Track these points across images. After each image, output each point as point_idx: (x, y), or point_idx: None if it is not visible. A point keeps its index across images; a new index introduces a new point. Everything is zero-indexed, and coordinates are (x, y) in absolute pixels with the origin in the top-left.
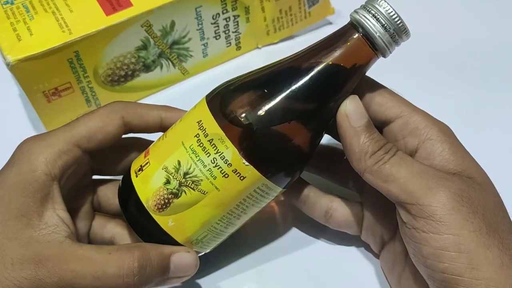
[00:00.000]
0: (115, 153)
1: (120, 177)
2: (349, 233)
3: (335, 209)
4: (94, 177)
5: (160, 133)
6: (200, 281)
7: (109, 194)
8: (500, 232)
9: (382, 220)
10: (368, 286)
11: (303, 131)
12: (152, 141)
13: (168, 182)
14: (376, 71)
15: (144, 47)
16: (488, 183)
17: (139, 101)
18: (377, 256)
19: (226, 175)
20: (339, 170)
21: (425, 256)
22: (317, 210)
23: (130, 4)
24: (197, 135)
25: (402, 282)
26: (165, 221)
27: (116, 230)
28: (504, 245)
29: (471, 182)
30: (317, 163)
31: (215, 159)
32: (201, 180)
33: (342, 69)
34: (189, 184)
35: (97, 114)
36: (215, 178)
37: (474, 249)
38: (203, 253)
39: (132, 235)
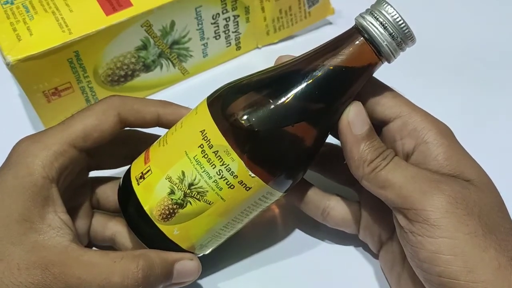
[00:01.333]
0: (112, 148)
1: (117, 171)
2: (349, 234)
3: (333, 207)
4: (91, 173)
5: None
6: (202, 282)
7: (108, 192)
8: (497, 233)
9: (380, 220)
10: (368, 286)
11: (309, 135)
12: (151, 134)
13: (172, 192)
14: (377, 70)
15: (144, 47)
16: (487, 184)
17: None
18: (376, 256)
19: (232, 187)
20: (339, 169)
21: (422, 260)
22: (314, 208)
23: (130, 4)
24: (201, 146)
25: (402, 282)
26: (171, 230)
27: (117, 228)
28: (501, 247)
29: (467, 184)
30: (318, 161)
31: (221, 171)
32: (207, 191)
33: (346, 74)
34: (194, 195)
35: (92, 112)
36: (221, 189)
37: (470, 252)
38: (201, 254)
39: (133, 234)
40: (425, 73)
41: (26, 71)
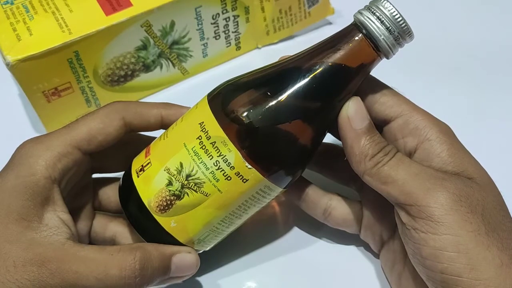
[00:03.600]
0: (115, 151)
1: (120, 174)
2: (349, 233)
3: (334, 207)
4: (93, 175)
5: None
6: (201, 279)
7: (109, 193)
8: (500, 231)
9: (381, 219)
10: (368, 286)
11: (307, 132)
12: (153, 137)
13: (170, 183)
14: (377, 69)
15: (144, 47)
16: (488, 183)
17: (139, 101)
18: (376, 255)
19: (229, 178)
20: (339, 168)
21: (424, 257)
22: (316, 208)
23: (130, 4)
24: (199, 137)
25: (403, 281)
26: (168, 222)
27: (118, 229)
28: (504, 245)
29: (470, 182)
30: (317, 160)
31: (217, 162)
32: (204, 182)
33: (344, 70)
34: (191, 186)
35: (97, 115)
36: (217, 180)
37: (473, 249)
38: (202, 251)
39: (134, 234)
40: (425, 73)
41: (26, 71)
